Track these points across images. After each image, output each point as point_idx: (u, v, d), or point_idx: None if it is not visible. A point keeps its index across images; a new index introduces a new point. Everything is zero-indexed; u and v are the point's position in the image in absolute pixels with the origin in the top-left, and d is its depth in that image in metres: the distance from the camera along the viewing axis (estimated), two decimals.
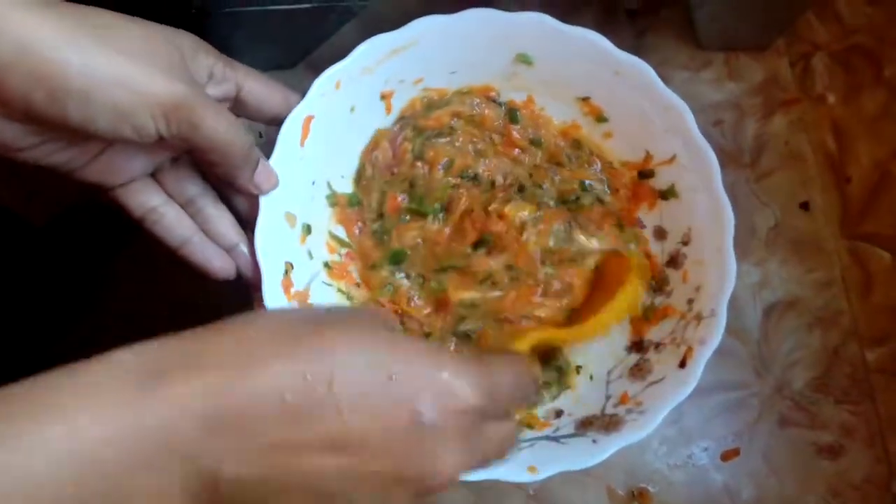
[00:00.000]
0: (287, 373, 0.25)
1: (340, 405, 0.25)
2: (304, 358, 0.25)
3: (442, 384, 0.27)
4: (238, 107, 0.39)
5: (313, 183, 0.44)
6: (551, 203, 0.47)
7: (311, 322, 0.27)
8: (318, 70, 0.42)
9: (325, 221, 0.46)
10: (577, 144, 0.48)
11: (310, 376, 0.25)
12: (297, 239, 0.43)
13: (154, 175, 0.38)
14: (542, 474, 0.38)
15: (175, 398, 0.24)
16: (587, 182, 0.48)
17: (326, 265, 0.45)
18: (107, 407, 0.24)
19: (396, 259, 0.47)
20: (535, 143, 0.48)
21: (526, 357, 0.39)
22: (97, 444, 0.23)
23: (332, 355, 0.26)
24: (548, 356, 0.46)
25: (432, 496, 0.28)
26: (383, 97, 0.45)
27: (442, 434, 0.27)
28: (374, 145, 0.47)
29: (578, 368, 0.46)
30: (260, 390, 0.25)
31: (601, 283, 0.46)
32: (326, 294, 0.45)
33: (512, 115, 0.48)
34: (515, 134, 0.48)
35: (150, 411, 0.24)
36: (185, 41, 0.34)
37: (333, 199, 0.46)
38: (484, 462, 0.30)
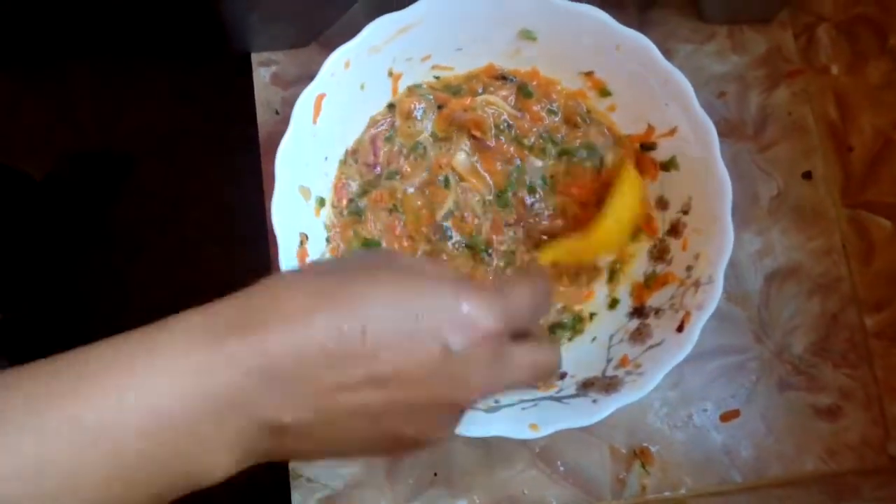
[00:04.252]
0: (326, 327, 0.28)
1: (376, 349, 0.28)
2: (339, 313, 0.28)
3: (464, 317, 0.30)
4: None
5: (326, 158, 0.46)
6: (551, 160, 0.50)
7: (338, 278, 0.30)
8: (330, 48, 0.43)
9: (336, 167, 0.48)
10: (587, 113, 0.49)
11: (346, 328, 0.28)
12: (311, 211, 0.45)
13: None
14: (543, 431, 0.41)
15: (234, 358, 0.27)
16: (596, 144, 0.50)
17: (327, 240, 0.47)
18: (177, 368, 0.27)
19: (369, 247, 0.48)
20: (552, 112, 0.50)
21: (543, 271, 0.43)
22: (164, 401, 0.27)
23: (363, 308, 0.29)
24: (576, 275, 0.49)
25: (464, 412, 0.32)
26: (391, 76, 0.47)
27: (469, 361, 0.30)
28: (356, 146, 0.48)
29: (592, 316, 0.48)
30: (304, 344, 0.28)
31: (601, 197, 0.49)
32: None
33: (523, 89, 0.49)
34: (535, 108, 0.50)
35: (211, 372, 0.27)
36: None
37: (341, 167, 0.47)
38: (514, 384, 0.33)
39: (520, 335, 0.33)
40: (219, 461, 0.28)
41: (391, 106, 0.48)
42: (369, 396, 0.29)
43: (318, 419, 0.29)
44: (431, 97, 0.49)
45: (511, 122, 0.49)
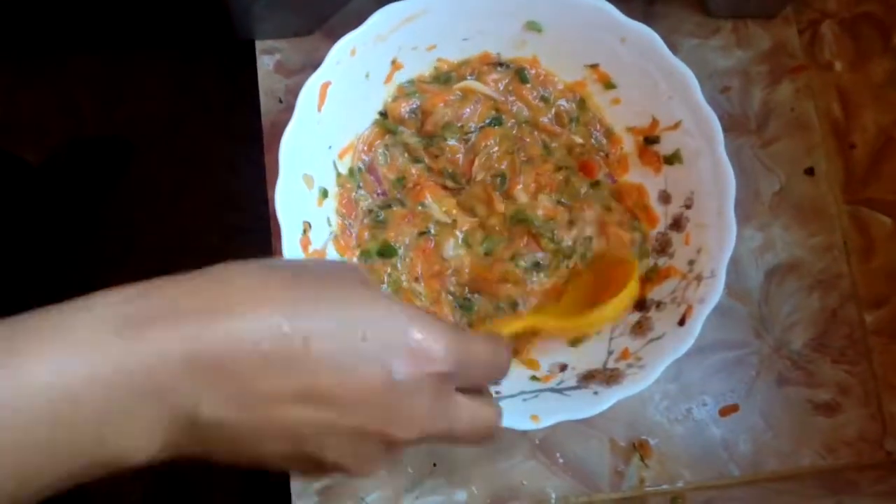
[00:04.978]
0: (265, 323, 0.26)
1: (316, 361, 0.26)
2: (282, 311, 0.26)
3: (415, 344, 0.28)
4: None
5: (330, 147, 0.46)
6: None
7: (289, 275, 0.28)
8: (334, 37, 0.43)
9: (335, 182, 0.47)
10: (582, 104, 0.49)
11: (287, 329, 0.26)
12: (314, 201, 0.45)
13: None
14: (544, 423, 0.41)
15: (155, 343, 0.25)
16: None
17: (335, 236, 0.47)
18: (89, 349, 0.25)
19: (385, 253, 0.48)
20: (545, 99, 0.50)
21: (505, 339, 0.38)
22: (78, 382, 0.24)
23: (310, 312, 0.27)
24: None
25: (397, 450, 0.29)
26: (393, 66, 0.47)
27: (411, 392, 0.28)
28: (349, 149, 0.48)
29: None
30: (237, 337, 0.25)
31: (599, 283, 0.47)
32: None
33: (521, 74, 0.49)
34: (525, 93, 0.49)
35: (132, 355, 0.25)
36: None
37: (339, 180, 0.47)
38: (451, 433, 0.30)
39: (467, 390, 0.32)
40: (136, 446, 0.26)
41: (383, 114, 0.48)
42: (299, 414, 0.27)
43: (240, 423, 0.26)
44: (418, 97, 0.48)
45: (497, 114, 0.49)
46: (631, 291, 0.45)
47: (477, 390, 0.33)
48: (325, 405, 0.27)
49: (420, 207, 0.48)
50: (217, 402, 0.26)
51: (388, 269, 0.48)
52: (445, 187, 0.49)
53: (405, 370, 0.27)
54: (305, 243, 0.43)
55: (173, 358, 0.25)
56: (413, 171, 0.49)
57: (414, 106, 0.48)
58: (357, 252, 0.48)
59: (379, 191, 0.49)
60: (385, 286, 0.47)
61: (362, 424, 0.28)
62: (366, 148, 0.48)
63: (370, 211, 0.48)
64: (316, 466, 0.29)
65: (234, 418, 0.26)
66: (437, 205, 0.48)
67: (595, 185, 0.50)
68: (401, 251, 0.48)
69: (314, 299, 0.27)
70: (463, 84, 0.48)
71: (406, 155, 0.49)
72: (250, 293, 0.26)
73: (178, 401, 0.25)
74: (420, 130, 0.48)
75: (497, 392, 0.44)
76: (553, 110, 0.50)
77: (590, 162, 0.49)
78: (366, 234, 0.48)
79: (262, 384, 0.26)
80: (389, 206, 0.48)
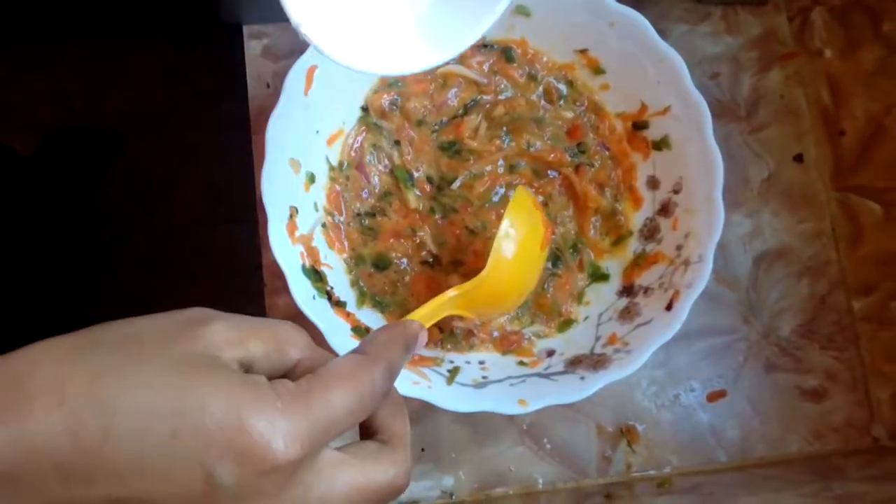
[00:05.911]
0: (56, 425, 0.22)
1: (118, 466, 0.22)
2: (76, 407, 0.22)
3: (242, 439, 0.22)
4: None
5: (317, 132, 0.46)
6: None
7: (89, 357, 0.23)
8: None
9: (326, 174, 0.47)
10: (571, 85, 0.49)
11: (82, 430, 0.22)
12: (301, 185, 0.45)
13: None
14: (531, 407, 0.41)
15: None
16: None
17: (324, 226, 0.46)
18: None
19: (381, 265, 0.48)
20: (533, 77, 0.49)
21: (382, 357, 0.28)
22: None
23: (109, 403, 0.22)
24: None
25: None
26: None
27: (244, 495, 0.23)
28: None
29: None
30: (28, 444, 0.22)
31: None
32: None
33: (507, 54, 0.49)
34: (511, 72, 0.49)
35: None
36: None
37: (331, 174, 0.47)
38: None
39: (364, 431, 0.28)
40: None
41: (364, 109, 0.48)
42: None
43: None
44: (398, 86, 0.48)
45: (477, 98, 0.49)
46: (514, 208, 0.41)
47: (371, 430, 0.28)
48: None
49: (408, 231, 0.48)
50: None
51: (388, 286, 0.47)
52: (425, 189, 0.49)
53: (230, 474, 0.22)
54: (292, 228, 0.43)
55: None
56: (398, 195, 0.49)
57: (394, 97, 0.48)
58: (350, 253, 0.47)
59: (366, 192, 0.48)
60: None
61: None
62: (356, 145, 0.48)
63: (357, 215, 0.48)
64: None
65: None
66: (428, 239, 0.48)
67: (581, 146, 0.49)
68: (395, 262, 0.48)
69: (115, 388, 0.22)
70: (445, 69, 0.48)
71: (390, 163, 0.49)
72: (43, 388, 0.22)
73: None
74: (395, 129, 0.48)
75: (484, 378, 0.44)
76: (542, 87, 0.49)
77: (577, 125, 0.49)
78: (356, 237, 0.47)
79: (62, 496, 0.22)
80: (374, 216, 0.48)
